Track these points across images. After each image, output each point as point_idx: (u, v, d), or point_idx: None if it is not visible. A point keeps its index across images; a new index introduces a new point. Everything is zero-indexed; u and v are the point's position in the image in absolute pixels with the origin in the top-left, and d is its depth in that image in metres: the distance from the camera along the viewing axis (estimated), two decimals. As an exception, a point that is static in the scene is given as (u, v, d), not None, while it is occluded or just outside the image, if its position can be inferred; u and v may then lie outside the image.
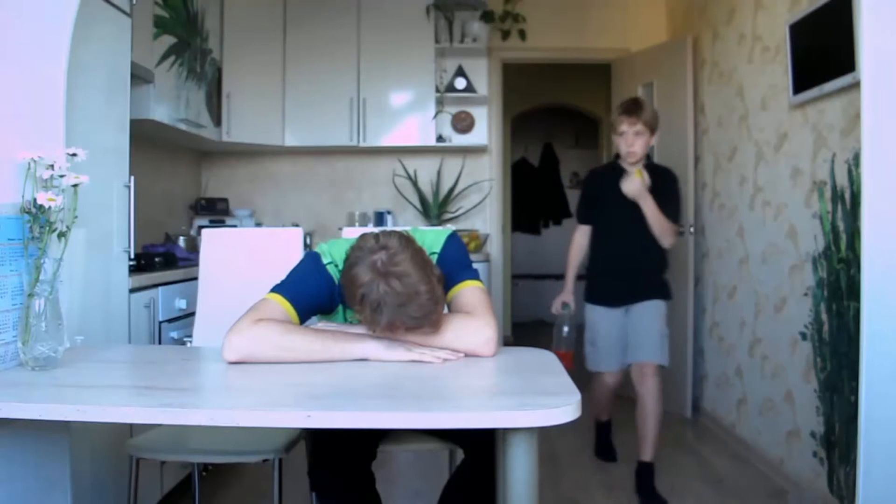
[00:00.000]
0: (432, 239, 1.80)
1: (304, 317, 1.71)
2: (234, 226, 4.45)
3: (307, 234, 4.60)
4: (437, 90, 4.78)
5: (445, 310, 1.73)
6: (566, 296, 3.18)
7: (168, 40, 3.46)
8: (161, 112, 3.37)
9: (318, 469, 1.76)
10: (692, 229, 4.13)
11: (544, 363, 1.66)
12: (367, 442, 1.80)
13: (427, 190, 4.98)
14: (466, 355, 1.66)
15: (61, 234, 1.65)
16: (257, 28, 4.47)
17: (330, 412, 1.30)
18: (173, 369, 1.68)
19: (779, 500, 2.96)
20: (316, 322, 1.80)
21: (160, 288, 2.71)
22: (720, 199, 3.86)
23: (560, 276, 3.45)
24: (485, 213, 5.10)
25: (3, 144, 1.65)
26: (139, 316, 2.54)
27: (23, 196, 1.64)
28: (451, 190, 4.96)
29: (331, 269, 1.74)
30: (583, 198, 3.29)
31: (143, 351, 2.18)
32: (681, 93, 4.24)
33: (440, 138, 4.85)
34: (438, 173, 5.01)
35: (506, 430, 1.35)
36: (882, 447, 1.77)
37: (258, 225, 4.81)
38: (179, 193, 4.47)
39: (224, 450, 1.93)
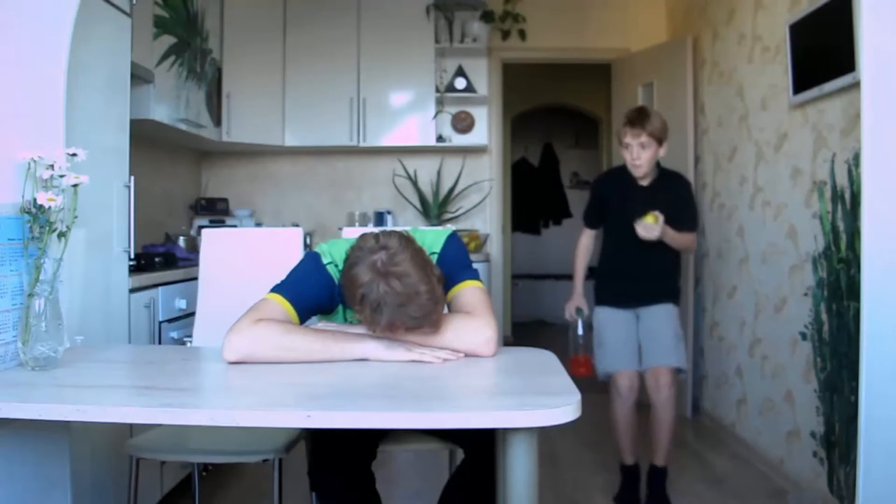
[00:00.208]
0: (432, 239, 1.80)
1: (304, 317, 1.71)
2: (234, 226, 4.45)
3: (307, 234, 4.59)
4: (437, 90, 4.78)
5: (445, 310, 1.73)
6: (578, 300, 3.08)
7: (168, 40, 3.46)
8: (161, 112, 3.37)
9: (318, 469, 1.76)
10: (692, 229, 4.13)
11: (544, 363, 1.65)
12: (367, 442, 1.80)
13: (427, 190, 4.98)
14: (466, 355, 1.66)
15: (61, 234, 1.65)
16: (257, 28, 4.47)
17: (330, 412, 1.30)
18: (173, 369, 1.68)
19: (779, 500, 2.95)
20: (316, 322, 1.80)
21: (160, 288, 2.71)
22: (720, 199, 3.86)
23: (560, 276, 3.43)
24: (485, 213, 5.10)
25: (3, 144, 1.65)
26: (139, 316, 2.54)
27: (23, 196, 1.64)
28: (451, 190, 4.96)
29: (331, 269, 1.74)
30: (592, 201, 3.16)
31: (143, 351, 2.18)
32: (681, 93, 4.24)
33: (440, 138, 4.85)
34: (438, 173, 5.01)
35: (506, 430, 1.35)
36: (882, 447, 1.77)
37: (258, 225, 4.81)
38: (179, 193, 4.47)
39: (224, 450, 1.93)
